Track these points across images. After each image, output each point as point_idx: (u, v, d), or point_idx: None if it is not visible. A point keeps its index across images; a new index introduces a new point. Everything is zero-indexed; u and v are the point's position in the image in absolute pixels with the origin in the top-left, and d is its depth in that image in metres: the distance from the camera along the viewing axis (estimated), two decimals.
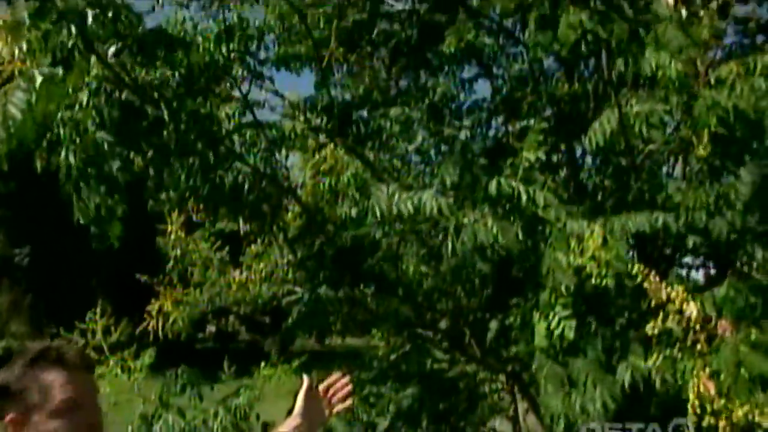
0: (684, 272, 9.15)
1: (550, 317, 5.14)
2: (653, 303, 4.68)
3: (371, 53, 10.10)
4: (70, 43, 5.77)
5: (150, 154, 7.43)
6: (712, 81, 5.72)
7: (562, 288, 5.02)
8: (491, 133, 9.36)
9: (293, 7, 8.96)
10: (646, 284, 4.74)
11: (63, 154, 6.12)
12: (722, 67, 5.75)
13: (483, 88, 10.79)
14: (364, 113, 9.02)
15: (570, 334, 5.25)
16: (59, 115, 6.03)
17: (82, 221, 6.20)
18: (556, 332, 5.28)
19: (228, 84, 8.56)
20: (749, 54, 7.59)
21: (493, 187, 5.48)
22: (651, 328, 4.76)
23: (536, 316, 5.24)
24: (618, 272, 5.02)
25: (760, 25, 8.13)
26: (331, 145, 9.24)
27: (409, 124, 8.35)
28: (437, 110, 9.03)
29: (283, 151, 9.16)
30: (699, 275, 9.43)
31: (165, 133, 7.33)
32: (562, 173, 8.56)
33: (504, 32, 8.88)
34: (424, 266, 8.65)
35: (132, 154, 6.93)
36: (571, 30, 4.22)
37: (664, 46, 4.50)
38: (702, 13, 5.73)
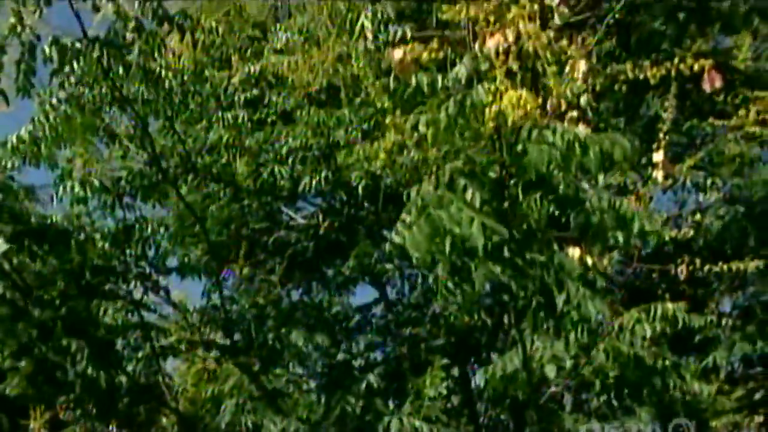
0: None
1: None
2: None
3: (265, 261, 9.97)
4: None
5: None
6: (616, 327, 5.80)
7: None
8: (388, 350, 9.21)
9: (191, 210, 8.83)
10: None
11: None
12: (624, 314, 5.84)
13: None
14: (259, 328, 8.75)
15: None
16: None
17: None
18: None
19: (120, 284, 8.20)
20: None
21: (394, 428, 5.29)
22: None
23: None
24: None
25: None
26: (217, 355, 8.91)
27: (306, 353, 8.17)
28: (331, 328, 8.87)
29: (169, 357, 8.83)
30: None
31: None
32: (455, 400, 8.41)
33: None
34: None
35: None
36: (484, 281, 4.24)
37: (578, 296, 4.54)
38: (605, 260, 5.90)
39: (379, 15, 7.22)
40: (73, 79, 7.19)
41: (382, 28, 7.18)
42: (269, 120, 8.41)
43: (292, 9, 9.09)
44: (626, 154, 4.18)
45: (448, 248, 3.97)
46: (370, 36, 7.40)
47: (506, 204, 4.41)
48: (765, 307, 9.12)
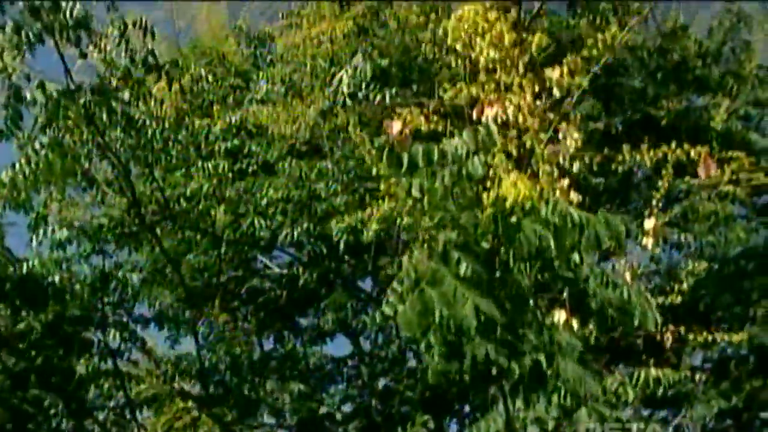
0: None
1: None
2: None
3: (239, 309, 9.86)
4: None
5: None
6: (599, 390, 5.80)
7: None
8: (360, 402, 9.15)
9: (166, 255, 8.74)
10: None
11: None
12: (608, 377, 5.85)
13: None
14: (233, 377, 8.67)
15: None
16: None
17: None
18: None
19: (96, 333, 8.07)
20: None
21: None
22: None
23: None
24: None
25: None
26: (189, 404, 8.77)
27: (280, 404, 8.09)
28: (305, 379, 8.80)
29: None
30: None
31: None
32: None
33: (374, 302, 8.79)
34: None
35: None
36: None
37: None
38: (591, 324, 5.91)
39: (358, 73, 7.21)
40: (56, 125, 7.10)
41: (363, 86, 7.18)
42: (250, 170, 8.34)
43: (274, 58, 9.07)
44: (619, 236, 4.19)
45: (438, 320, 3.94)
46: (346, 90, 7.40)
47: (498, 273, 4.39)
48: (739, 361, 9.23)
